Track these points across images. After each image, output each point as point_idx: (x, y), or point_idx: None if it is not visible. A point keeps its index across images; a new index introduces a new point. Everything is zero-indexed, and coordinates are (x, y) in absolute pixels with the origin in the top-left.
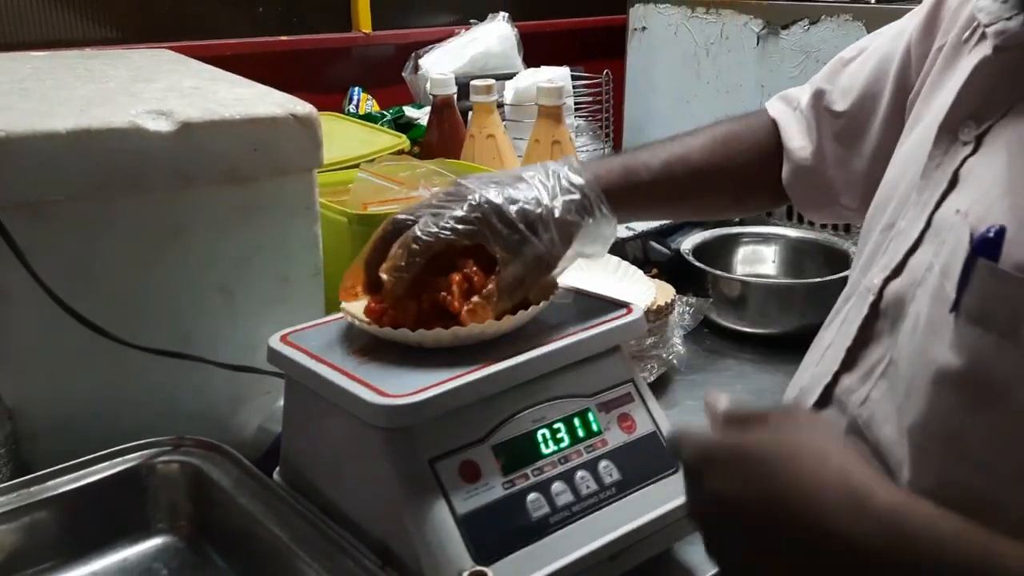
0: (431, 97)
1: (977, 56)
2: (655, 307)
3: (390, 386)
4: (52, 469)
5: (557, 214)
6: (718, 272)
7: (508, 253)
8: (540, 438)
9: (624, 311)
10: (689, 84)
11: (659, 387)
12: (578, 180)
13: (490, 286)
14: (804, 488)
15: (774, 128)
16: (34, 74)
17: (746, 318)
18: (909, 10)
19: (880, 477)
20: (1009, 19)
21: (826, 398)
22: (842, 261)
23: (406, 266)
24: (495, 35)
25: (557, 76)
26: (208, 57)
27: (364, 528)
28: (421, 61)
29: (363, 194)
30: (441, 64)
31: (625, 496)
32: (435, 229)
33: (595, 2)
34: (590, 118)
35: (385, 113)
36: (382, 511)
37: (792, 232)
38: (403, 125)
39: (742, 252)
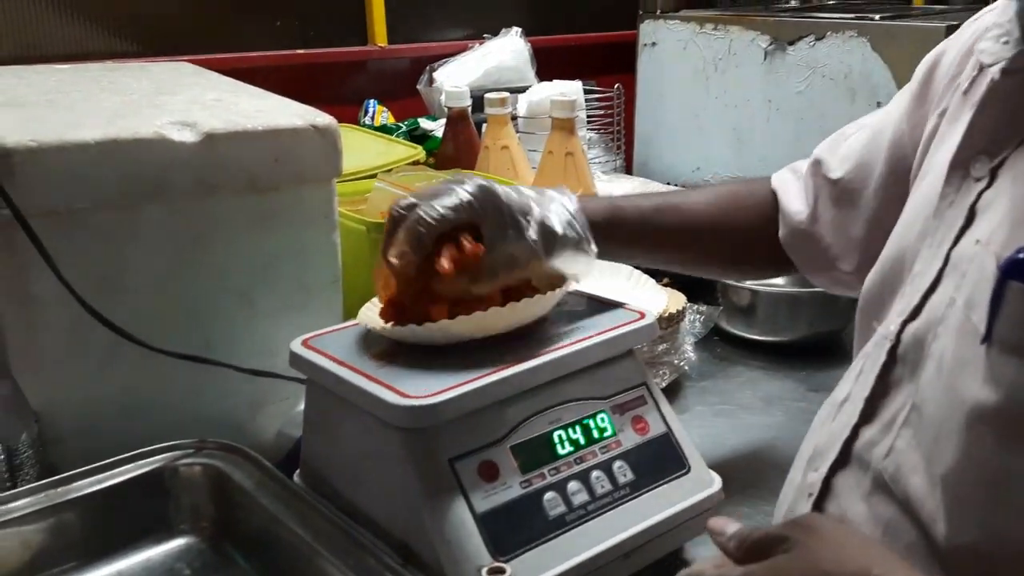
0: (446, 109)
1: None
2: (667, 314)
3: (410, 388)
4: (77, 471)
5: (547, 223)
6: (728, 281)
7: (494, 238)
8: (556, 439)
9: (637, 316)
10: (698, 98)
11: (671, 393)
12: (571, 205)
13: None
14: None
15: (775, 194)
16: (59, 86)
17: (755, 326)
18: (911, 27)
19: None
20: (1012, 58)
21: (845, 455)
22: None
23: (412, 249)
24: (508, 50)
25: (570, 90)
26: (226, 70)
27: (384, 527)
28: (436, 74)
29: (380, 203)
30: (455, 77)
31: (639, 496)
32: (439, 210)
33: (606, 18)
34: (602, 131)
35: (400, 125)
36: (403, 510)
37: None
38: (418, 137)
39: None
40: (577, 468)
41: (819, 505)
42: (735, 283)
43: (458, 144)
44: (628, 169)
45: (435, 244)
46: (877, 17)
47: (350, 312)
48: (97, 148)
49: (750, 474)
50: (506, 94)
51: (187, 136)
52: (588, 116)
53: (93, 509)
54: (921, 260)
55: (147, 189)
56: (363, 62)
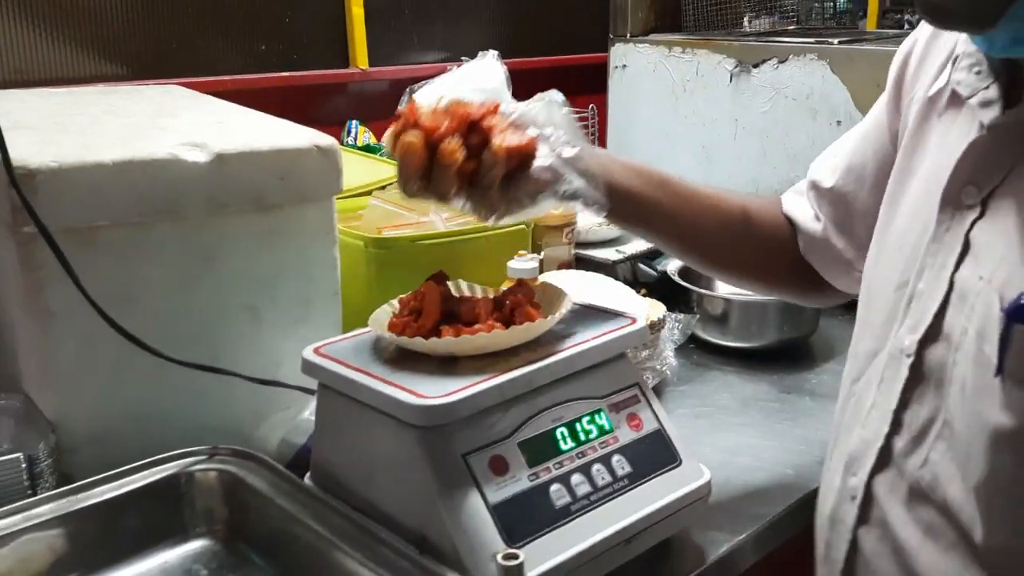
0: None
1: (961, 124)
2: (649, 322)
3: (424, 389)
4: (95, 478)
5: (562, 144)
6: (703, 291)
7: (512, 115)
8: (559, 435)
9: (629, 321)
10: (668, 118)
11: None
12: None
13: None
14: None
15: (788, 216)
16: (61, 109)
17: (729, 333)
18: (867, 50)
19: None
20: (987, 88)
21: (882, 462)
22: None
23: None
24: (485, 71)
25: None
26: (214, 92)
27: (399, 521)
28: (415, 96)
29: (376, 219)
30: (433, 99)
31: (636, 486)
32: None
33: (578, 41)
34: None
35: (382, 144)
36: (419, 503)
37: None
38: None
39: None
40: (579, 462)
41: (863, 508)
42: (709, 293)
43: None
44: None
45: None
46: (836, 42)
47: (348, 324)
48: (114, 168)
49: (732, 470)
50: None
51: (199, 156)
52: None
53: (111, 514)
54: (925, 281)
55: (160, 207)
56: (345, 84)
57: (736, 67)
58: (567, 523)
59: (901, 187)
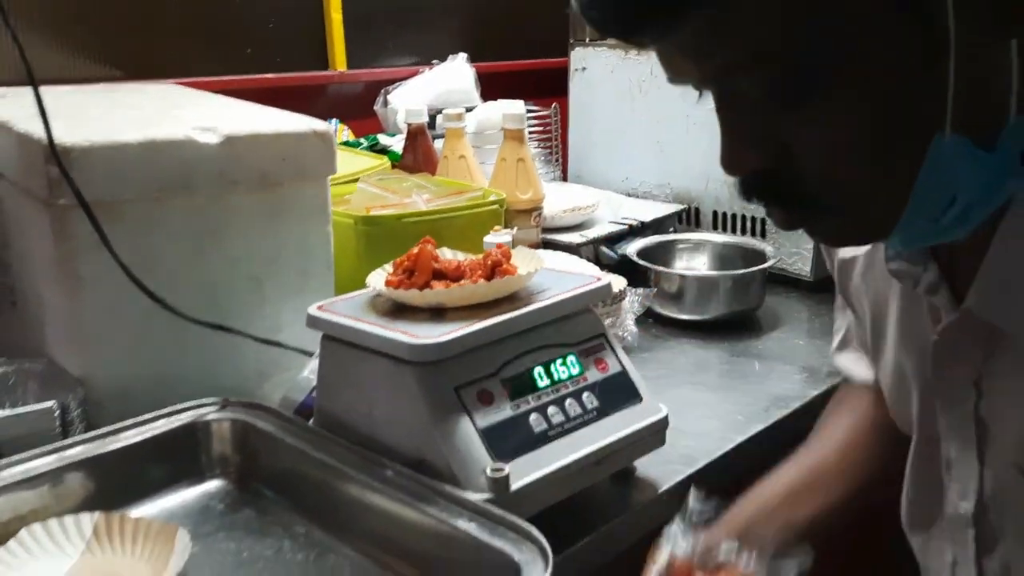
0: (404, 125)
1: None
2: (613, 292)
3: (419, 333)
4: (120, 424)
5: None
6: (660, 268)
7: None
8: (537, 374)
9: (594, 279)
10: (624, 116)
11: None
12: None
13: None
14: None
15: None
16: (73, 103)
17: (684, 307)
18: None
19: None
20: (925, 270)
21: None
22: (759, 257)
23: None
24: (456, 73)
25: (514, 108)
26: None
27: (399, 451)
28: (390, 96)
29: (363, 201)
30: (408, 99)
31: (603, 418)
32: None
33: (541, 45)
34: (541, 145)
35: (361, 141)
36: (417, 432)
37: (719, 238)
38: (378, 151)
39: (679, 255)
40: (554, 396)
41: None
42: (666, 271)
43: (417, 156)
44: (564, 178)
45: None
46: None
47: (340, 294)
48: (138, 147)
49: (689, 417)
50: (462, 110)
51: (210, 138)
52: (528, 132)
53: (135, 457)
54: (950, 444)
55: (176, 184)
56: (325, 85)
57: None
58: (544, 445)
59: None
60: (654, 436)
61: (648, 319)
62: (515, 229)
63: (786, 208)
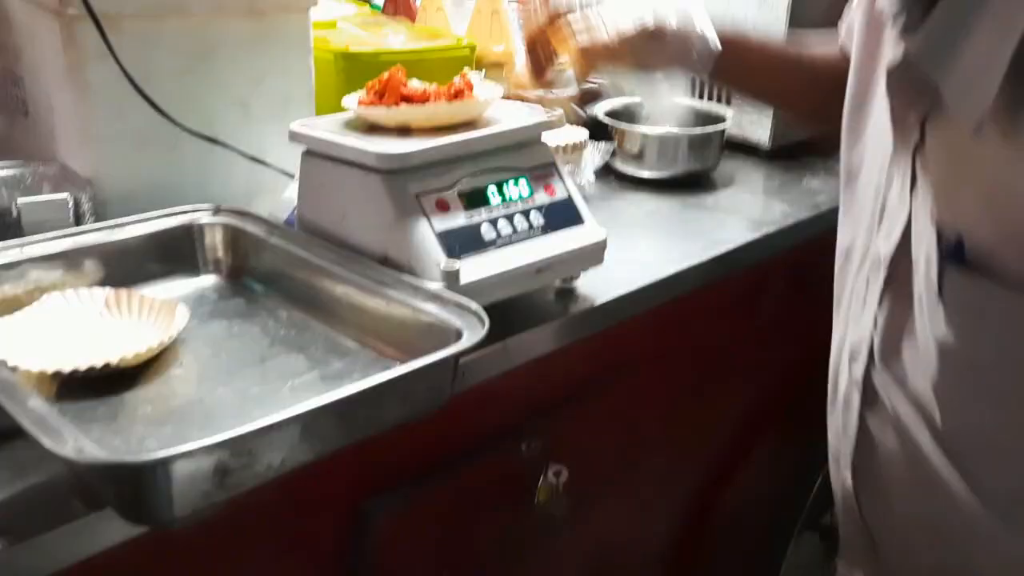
0: None
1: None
2: (573, 143)
3: (387, 147)
4: (127, 218)
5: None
6: (623, 125)
7: None
8: (490, 191)
9: (548, 113)
10: None
11: None
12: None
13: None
14: None
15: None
16: None
17: (644, 166)
18: None
19: None
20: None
21: (872, 356)
22: (719, 119)
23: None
24: None
25: None
26: None
27: (367, 249)
28: None
29: (344, 40)
30: None
31: (547, 234)
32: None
33: None
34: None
35: None
36: (382, 232)
37: (684, 102)
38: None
39: (643, 119)
40: (504, 212)
41: (865, 395)
42: (629, 128)
43: (398, 6)
44: None
45: None
46: None
47: None
48: None
49: (637, 251)
50: None
51: None
52: None
53: (139, 248)
54: (892, 191)
55: (172, 4)
56: None
57: None
58: (492, 250)
59: (869, 84)
60: (593, 254)
61: (609, 175)
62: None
63: None
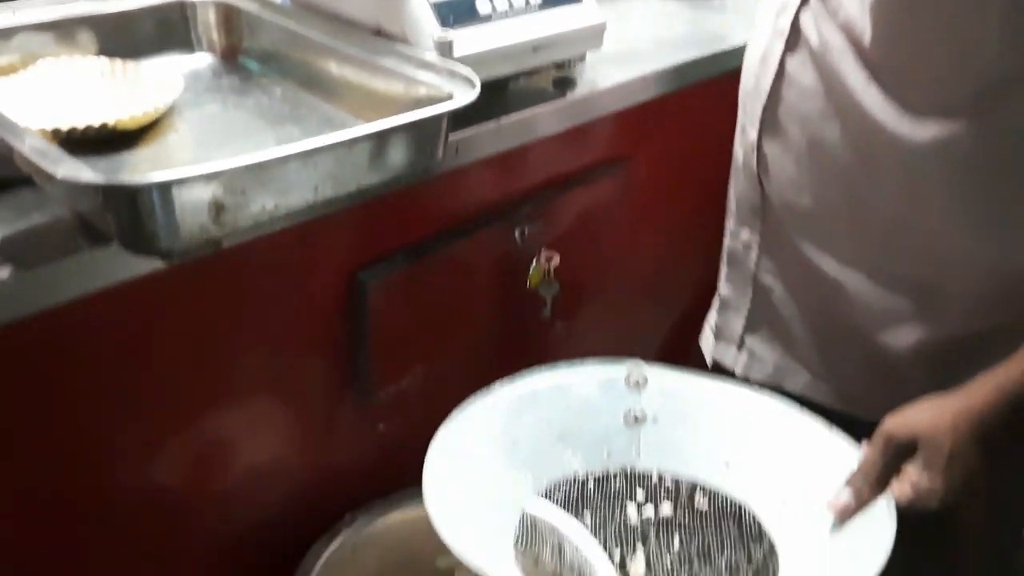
0: None
1: None
2: None
3: None
4: None
5: None
6: None
7: None
8: None
9: None
10: None
11: None
12: None
13: None
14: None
15: None
16: None
17: None
18: None
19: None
20: None
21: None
22: None
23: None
24: None
25: None
26: None
27: (360, 21)
28: None
29: None
30: None
31: (544, 10)
32: None
33: None
34: None
35: None
36: (374, 2)
37: None
38: None
39: None
40: None
41: (790, 40)
42: None
43: None
44: None
45: None
46: None
47: None
48: None
49: (637, 43)
50: None
51: None
52: None
53: (132, 20)
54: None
55: None
56: None
57: None
58: (487, 24)
59: None
60: (592, 36)
61: None
62: None
63: None
